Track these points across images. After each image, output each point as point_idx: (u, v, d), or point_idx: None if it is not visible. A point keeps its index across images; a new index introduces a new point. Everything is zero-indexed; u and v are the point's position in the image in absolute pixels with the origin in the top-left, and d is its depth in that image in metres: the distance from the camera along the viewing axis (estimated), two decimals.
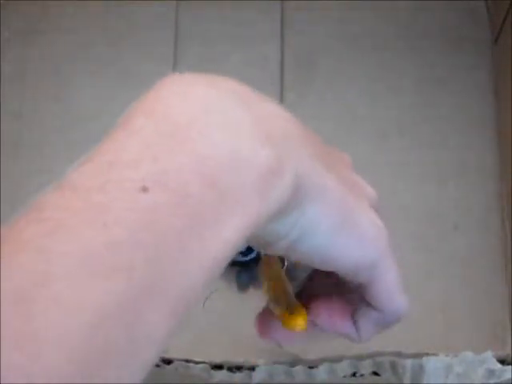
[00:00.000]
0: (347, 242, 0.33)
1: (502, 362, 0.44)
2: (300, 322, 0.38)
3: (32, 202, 0.24)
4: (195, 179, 0.26)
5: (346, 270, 0.34)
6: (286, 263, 0.60)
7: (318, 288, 0.40)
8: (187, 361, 0.46)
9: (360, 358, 0.45)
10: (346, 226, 0.33)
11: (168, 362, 0.46)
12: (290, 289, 0.41)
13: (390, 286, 0.35)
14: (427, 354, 0.44)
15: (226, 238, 0.26)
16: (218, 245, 0.26)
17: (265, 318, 0.40)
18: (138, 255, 0.24)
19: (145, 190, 0.24)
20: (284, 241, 0.32)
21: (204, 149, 0.26)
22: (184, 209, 0.25)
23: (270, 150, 0.28)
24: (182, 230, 0.25)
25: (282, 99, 0.74)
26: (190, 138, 0.26)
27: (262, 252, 0.49)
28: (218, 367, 0.46)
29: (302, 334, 0.39)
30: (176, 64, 0.76)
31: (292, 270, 0.61)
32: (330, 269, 0.35)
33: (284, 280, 0.42)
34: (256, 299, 0.65)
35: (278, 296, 0.40)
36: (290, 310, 0.38)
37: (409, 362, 0.44)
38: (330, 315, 0.38)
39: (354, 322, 0.38)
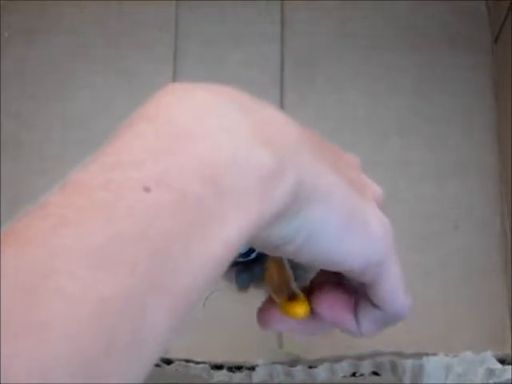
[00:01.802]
0: (355, 241, 0.33)
1: (502, 361, 0.44)
2: (300, 309, 0.38)
3: (37, 202, 0.25)
4: (197, 180, 0.26)
5: (353, 269, 0.34)
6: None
7: (323, 280, 0.41)
8: (187, 361, 0.46)
9: (360, 358, 0.45)
10: (353, 226, 0.33)
11: (168, 362, 0.45)
12: (292, 277, 0.41)
13: (395, 285, 0.36)
14: (427, 354, 0.44)
15: (227, 237, 0.27)
16: (220, 243, 0.26)
17: (266, 309, 0.40)
18: (142, 250, 0.24)
19: (147, 189, 0.25)
20: (292, 245, 0.32)
21: (205, 151, 0.27)
22: (186, 208, 0.26)
23: (270, 152, 0.29)
24: (184, 227, 0.25)
25: (282, 99, 0.75)
26: (190, 141, 0.27)
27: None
28: (218, 367, 0.46)
29: (302, 323, 0.39)
30: (176, 64, 0.76)
31: (293, 266, 0.61)
32: (337, 269, 0.35)
33: (286, 268, 0.42)
34: (256, 299, 0.65)
35: (280, 284, 0.41)
36: (291, 298, 0.39)
37: (409, 362, 0.44)
38: (331, 306, 0.39)
39: (356, 317, 0.38)
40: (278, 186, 0.29)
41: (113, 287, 0.23)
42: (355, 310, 0.38)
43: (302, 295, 0.39)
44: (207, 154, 0.27)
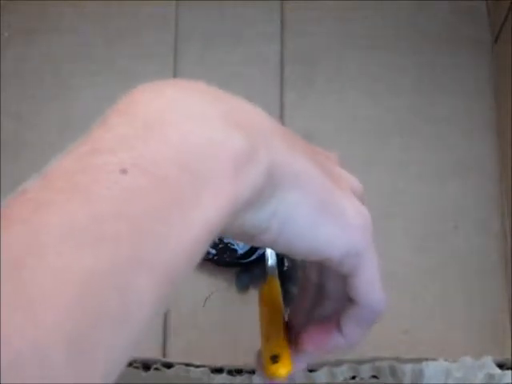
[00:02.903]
0: (331, 229, 0.34)
1: (501, 366, 0.44)
2: (283, 370, 0.38)
3: (16, 190, 0.25)
4: (171, 163, 0.27)
5: (331, 258, 0.35)
6: (286, 264, 0.61)
7: (299, 312, 0.41)
8: (187, 364, 0.46)
9: (360, 362, 0.45)
10: (327, 212, 0.34)
11: (168, 365, 0.46)
12: (283, 321, 0.41)
13: (372, 277, 0.36)
14: (426, 359, 0.44)
15: (205, 217, 0.27)
16: (199, 223, 0.27)
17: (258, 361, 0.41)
18: (123, 227, 0.25)
19: (124, 171, 0.26)
20: (267, 233, 0.33)
21: (176, 138, 0.28)
22: (163, 189, 0.26)
23: (241, 137, 0.29)
24: (162, 206, 0.26)
25: (281, 99, 0.75)
26: (162, 129, 0.28)
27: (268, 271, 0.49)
28: (218, 371, 0.46)
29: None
30: (176, 64, 0.76)
31: (293, 270, 0.61)
32: (316, 258, 0.35)
33: (279, 309, 0.42)
34: (256, 300, 0.65)
35: (269, 330, 0.41)
36: (274, 358, 0.38)
37: (408, 367, 0.44)
38: (316, 342, 0.39)
39: (340, 330, 0.38)
40: (250, 169, 0.29)
41: (98, 261, 0.24)
42: (339, 325, 0.39)
43: (286, 352, 0.39)
44: (179, 139, 0.28)
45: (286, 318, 0.42)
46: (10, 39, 0.77)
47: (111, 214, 0.25)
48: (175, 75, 0.76)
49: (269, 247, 0.35)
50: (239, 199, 0.29)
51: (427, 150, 0.73)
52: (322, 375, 0.45)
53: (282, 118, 0.73)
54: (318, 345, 0.39)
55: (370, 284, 0.36)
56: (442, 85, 0.75)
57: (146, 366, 0.45)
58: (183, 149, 0.28)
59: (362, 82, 0.75)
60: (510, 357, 0.45)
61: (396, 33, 0.77)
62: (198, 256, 0.28)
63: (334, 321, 0.39)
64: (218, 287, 0.66)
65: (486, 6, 0.77)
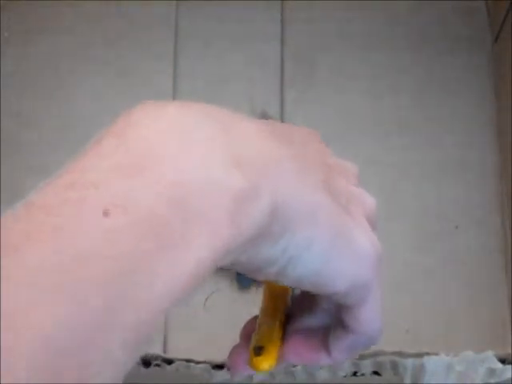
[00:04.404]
0: (341, 262, 0.32)
1: (503, 361, 0.44)
2: (263, 366, 0.37)
3: None
4: (162, 202, 0.25)
5: (339, 291, 0.33)
6: None
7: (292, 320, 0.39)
8: (188, 361, 0.46)
9: (361, 357, 0.45)
10: (339, 246, 0.32)
11: (169, 361, 0.45)
12: (281, 314, 0.40)
13: (376, 308, 0.34)
14: (428, 354, 0.44)
15: (197, 257, 0.26)
16: (188, 264, 0.25)
17: (235, 353, 0.39)
18: (96, 273, 0.23)
19: (106, 213, 0.24)
20: (274, 266, 0.31)
21: (172, 172, 0.26)
22: (149, 231, 0.24)
23: (242, 174, 0.27)
24: (146, 251, 0.24)
25: (282, 99, 0.75)
26: (157, 161, 0.26)
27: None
28: (219, 367, 0.46)
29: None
30: (176, 64, 0.76)
31: None
32: (321, 292, 0.33)
33: (279, 301, 0.41)
34: (257, 298, 0.65)
35: (263, 320, 0.40)
36: (258, 350, 0.37)
37: (409, 362, 0.44)
38: (300, 354, 0.37)
39: (328, 351, 0.36)
40: (251, 208, 0.27)
41: (56, 317, 0.22)
42: (327, 343, 0.36)
43: (274, 347, 0.37)
44: (174, 174, 0.26)
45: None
46: (10, 39, 0.77)
47: (86, 258, 0.23)
48: (175, 75, 0.76)
49: (275, 280, 0.32)
50: (237, 238, 0.27)
51: (427, 149, 0.73)
52: (322, 371, 0.45)
53: (282, 117, 0.74)
54: (302, 359, 0.38)
55: (372, 315, 0.34)
56: (442, 84, 0.75)
57: (147, 361, 0.45)
58: (178, 187, 0.26)
59: (362, 81, 0.75)
60: (510, 352, 0.45)
61: (396, 32, 0.77)
62: (186, 295, 0.26)
63: (320, 336, 0.37)
64: (218, 286, 0.66)
65: (486, 5, 0.77)
